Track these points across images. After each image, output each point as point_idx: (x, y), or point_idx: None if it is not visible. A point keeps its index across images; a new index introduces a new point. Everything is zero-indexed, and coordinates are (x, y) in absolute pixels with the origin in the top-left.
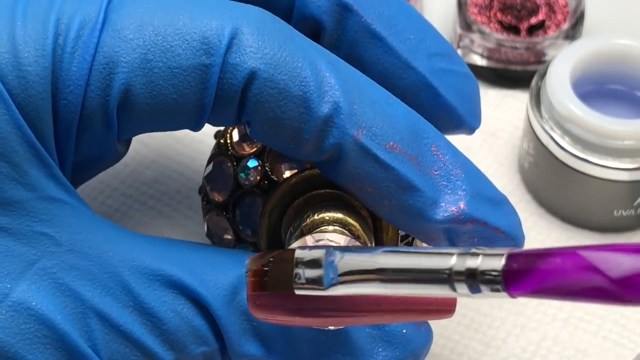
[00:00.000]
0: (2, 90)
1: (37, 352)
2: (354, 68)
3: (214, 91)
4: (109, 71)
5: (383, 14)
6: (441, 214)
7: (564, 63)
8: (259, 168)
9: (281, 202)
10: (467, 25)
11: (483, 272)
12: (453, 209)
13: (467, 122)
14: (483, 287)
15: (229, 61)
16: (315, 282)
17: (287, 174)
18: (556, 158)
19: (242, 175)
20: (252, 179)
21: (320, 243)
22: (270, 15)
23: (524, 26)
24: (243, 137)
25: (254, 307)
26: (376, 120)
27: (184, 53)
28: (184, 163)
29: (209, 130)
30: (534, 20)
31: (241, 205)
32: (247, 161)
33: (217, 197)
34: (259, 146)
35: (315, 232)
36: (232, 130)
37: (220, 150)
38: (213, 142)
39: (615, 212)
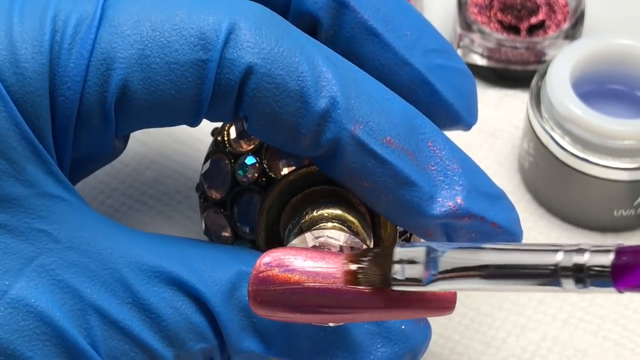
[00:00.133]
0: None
1: (36, 348)
2: (351, 63)
3: (212, 86)
4: (107, 67)
5: (380, 10)
6: (438, 209)
7: (564, 63)
8: (257, 165)
9: (279, 200)
10: (467, 25)
11: (591, 268)
12: (450, 203)
13: (464, 119)
14: (589, 282)
15: (226, 56)
16: (415, 279)
17: (284, 171)
18: (556, 158)
19: (240, 172)
20: (249, 176)
21: (320, 240)
22: (268, 10)
23: (524, 26)
24: (240, 135)
25: (254, 304)
26: (373, 115)
27: (182, 48)
28: (183, 163)
29: (208, 130)
30: (534, 20)
31: (239, 203)
32: (245, 158)
33: (215, 195)
34: (256, 143)
35: (314, 229)
36: (229, 128)
37: (218, 148)
38: None
39: (615, 212)
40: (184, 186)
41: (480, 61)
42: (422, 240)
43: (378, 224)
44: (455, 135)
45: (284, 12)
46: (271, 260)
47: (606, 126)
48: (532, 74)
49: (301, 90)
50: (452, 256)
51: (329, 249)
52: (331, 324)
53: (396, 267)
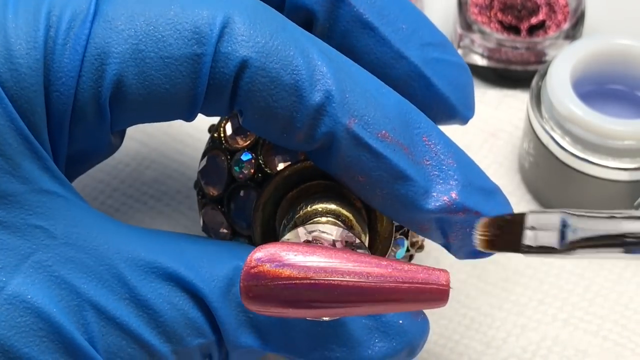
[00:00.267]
0: None
1: (33, 345)
2: (346, 57)
3: (206, 80)
4: (101, 62)
5: (375, 4)
6: (433, 203)
7: (564, 63)
8: (253, 161)
9: (275, 195)
10: (467, 25)
11: None
12: (445, 198)
13: (460, 112)
14: None
15: (221, 50)
16: (549, 247)
17: (280, 166)
18: (556, 158)
19: (236, 168)
20: (245, 172)
21: (313, 234)
22: (262, 4)
23: (524, 26)
24: (236, 131)
25: (246, 299)
26: (368, 109)
27: (176, 43)
28: (184, 163)
29: (207, 129)
30: (534, 20)
31: (236, 199)
32: (241, 154)
33: (212, 191)
34: (252, 139)
35: (309, 224)
36: (225, 124)
37: (214, 145)
38: None
39: None
40: (185, 186)
41: (480, 61)
42: (419, 236)
43: (374, 219)
44: (455, 136)
45: (279, 5)
46: (262, 255)
47: (606, 126)
48: (532, 74)
49: (296, 84)
50: (589, 224)
51: (322, 243)
52: (326, 319)
53: (529, 234)
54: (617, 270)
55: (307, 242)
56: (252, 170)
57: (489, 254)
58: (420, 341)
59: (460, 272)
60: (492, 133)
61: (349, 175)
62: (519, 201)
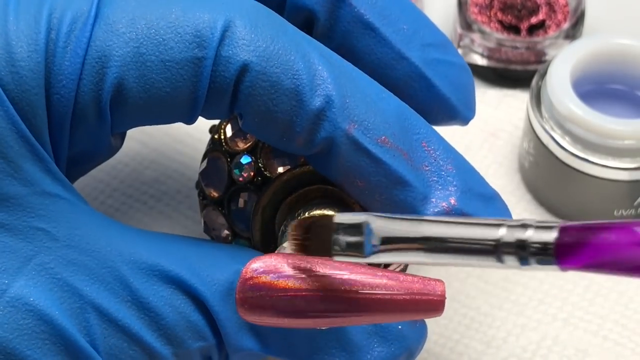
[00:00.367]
0: None
1: (35, 347)
2: (347, 61)
3: (207, 84)
4: (102, 65)
5: (376, 4)
6: (432, 209)
7: (564, 63)
8: (252, 164)
9: (274, 199)
10: (467, 24)
11: (533, 244)
12: (444, 204)
13: (461, 113)
14: (532, 260)
15: (222, 54)
16: (355, 249)
17: (280, 170)
18: (556, 158)
19: (236, 171)
20: (245, 175)
21: None
22: (263, 7)
23: (524, 26)
24: (236, 133)
25: (242, 310)
26: (368, 114)
27: (177, 46)
28: (184, 163)
29: (208, 129)
30: (534, 20)
31: (236, 201)
32: (241, 157)
33: (213, 193)
34: (252, 142)
35: None
36: (225, 126)
37: (215, 146)
38: None
39: (615, 212)
40: (185, 186)
41: (480, 61)
42: None
43: None
44: (455, 136)
45: (280, 6)
46: (258, 267)
47: (606, 126)
48: (532, 73)
49: (296, 88)
50: (393, 227)
51: None
52: (323, 328)
53: (337, 237)
54: None
55: None
56: (252, 173)
57: None
58: (418, 346)
59: (460, 271)
60: (492, 133)
61: (348, 180)
62: (519, 201)
